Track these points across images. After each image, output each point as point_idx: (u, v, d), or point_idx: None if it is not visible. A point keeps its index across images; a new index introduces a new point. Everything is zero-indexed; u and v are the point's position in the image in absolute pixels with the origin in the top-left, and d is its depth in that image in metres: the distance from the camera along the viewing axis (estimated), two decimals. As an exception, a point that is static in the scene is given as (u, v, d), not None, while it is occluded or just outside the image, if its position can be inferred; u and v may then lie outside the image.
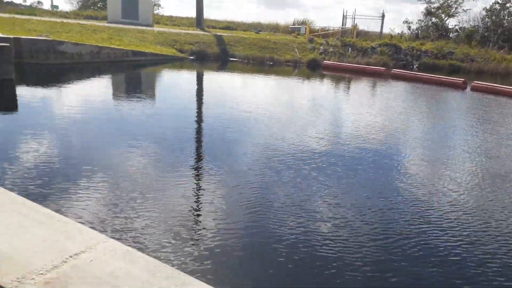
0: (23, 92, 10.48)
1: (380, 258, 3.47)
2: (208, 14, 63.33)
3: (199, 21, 28.88)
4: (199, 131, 7.65)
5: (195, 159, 5.92)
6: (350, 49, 24.52)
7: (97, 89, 11.87)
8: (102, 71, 15.24)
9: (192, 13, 30.55)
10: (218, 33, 25.37)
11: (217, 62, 20.87)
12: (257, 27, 32.16)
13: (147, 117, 8.52)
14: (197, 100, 11.32)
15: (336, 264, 3.32)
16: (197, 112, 9.66)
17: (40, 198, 3.98)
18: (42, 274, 1.80)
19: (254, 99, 11.81)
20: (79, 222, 2.26)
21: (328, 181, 5.19)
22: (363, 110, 11.19)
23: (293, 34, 28.82)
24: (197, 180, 5.03)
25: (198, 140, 7.01)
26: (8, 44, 10.41)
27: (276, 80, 17.26)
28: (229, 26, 32.71)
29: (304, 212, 4.21)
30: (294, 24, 34.56)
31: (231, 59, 21.95)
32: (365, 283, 3.12)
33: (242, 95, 12.69)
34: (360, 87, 17.51)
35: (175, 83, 14.32)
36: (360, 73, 20.32)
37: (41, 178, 4.63)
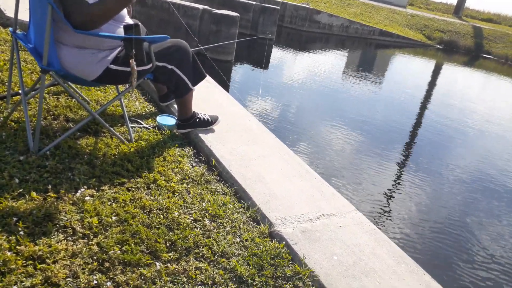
0: (276, 53, 11.77)
1: None
2: (469, 2, 56.38)
3: (458, 8, 26.08)
4: (411, 127, 7.08)
5: (400, 154, 5.61)
6: None
7: (336, 61, 12.32)
8: (346, 46, 15.65)
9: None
10: (478, 25, 22.43)
11: (465, 56, 18.62)
12: (529, 24, 26.93)
13: (367, 98, 8.43)
14: (424, 95, 10.38)
15: None
16: (419, 107, 8.88)
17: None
18: (299, 222, 2.02)
19: (488, 110, 10.02)
20: (331, 186, 2.42)
21: None
22: None
23: None
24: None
25: (407, 136, 6.51)
26: (278, 8, 11.78)
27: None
28: (492, 18, 28.43)
29: None
30: None
31: (484, 55, 19.25)
32: None
33: (477, 101, 10.97)
34: None
35: (409, 71, 13.51)
36: None
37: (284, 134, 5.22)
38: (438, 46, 18.96)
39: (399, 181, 4.61)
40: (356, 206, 2.31)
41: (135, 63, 1.88)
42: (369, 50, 16.16)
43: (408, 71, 13.38)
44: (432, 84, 12.00)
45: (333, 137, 5.49)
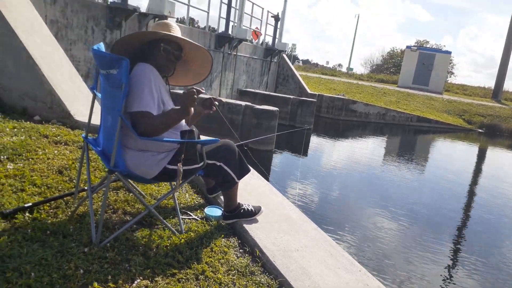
0: (315, 141, 12.13)
1: None
2: (508, 85, 56.43)
3: (497, 92, 26.18)
4: (460, 214, 6.79)
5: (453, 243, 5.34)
6: None
7: (375, 147, 12.44)
8: (385, 132, 15.89)
9: (487, 83, 27.99)
10: (519, 107, 22.23)
11: (510, 139, 18.21)
12: None
13: (411, 184, 8.29)
14: (471, 180, 10.08)
15: None
16: (466, 192, 8.59)
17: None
18: (345, 315, 2.01)
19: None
20: (376, 278, 2.41)
21: None
22: None
23: None
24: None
25: (456, 224, 6.23)
26: (315, 100, 12.43)
27: None
28: (535, 100, 28.13)
29: None
30: None
31: (531, 137, 18.75)
32: None
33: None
34: None
35: (451, 155, 13.33)
36: None
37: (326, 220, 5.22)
38: (480, 130, 18.74)
39: (448, 272, 4.39)
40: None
41: (181, 165, 2.13)
42: (408, 135, 16.24)
43: (451, 155, 13.21)
44: (478, 168, 11.71)
45: (376, 225, 5.41)
